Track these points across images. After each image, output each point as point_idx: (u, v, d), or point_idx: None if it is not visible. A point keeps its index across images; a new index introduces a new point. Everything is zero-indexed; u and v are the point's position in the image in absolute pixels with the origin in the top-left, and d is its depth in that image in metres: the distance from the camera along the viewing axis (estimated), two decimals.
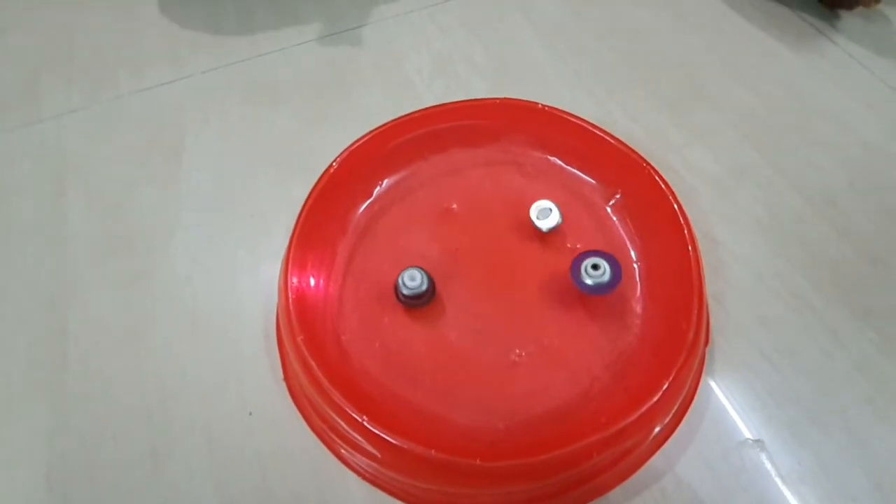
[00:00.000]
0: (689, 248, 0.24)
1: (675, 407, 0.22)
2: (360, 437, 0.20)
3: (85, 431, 0.23)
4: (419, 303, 0.24)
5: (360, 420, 0.20)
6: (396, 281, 0.23)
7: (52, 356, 0.25)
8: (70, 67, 0.36)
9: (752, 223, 0.29)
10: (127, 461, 0.23)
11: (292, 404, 0.23)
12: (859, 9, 0.37)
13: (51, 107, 0.34)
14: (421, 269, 0.23)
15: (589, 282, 0.23)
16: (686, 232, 0.24)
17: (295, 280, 0.23)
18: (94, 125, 0.33)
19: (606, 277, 0.22)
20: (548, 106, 0.28)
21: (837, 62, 0.36)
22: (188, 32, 0.37)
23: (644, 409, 0.20)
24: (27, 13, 0.39)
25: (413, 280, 0.23)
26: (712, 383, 0.24)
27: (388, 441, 0.19)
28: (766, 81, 0.35)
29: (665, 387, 0.20)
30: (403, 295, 0.23)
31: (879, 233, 0.29)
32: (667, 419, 0.22)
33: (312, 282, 0.24)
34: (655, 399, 0.20)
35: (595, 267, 0.23)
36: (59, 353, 0.25)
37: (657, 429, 0.21)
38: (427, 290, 0.23)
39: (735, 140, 0.32)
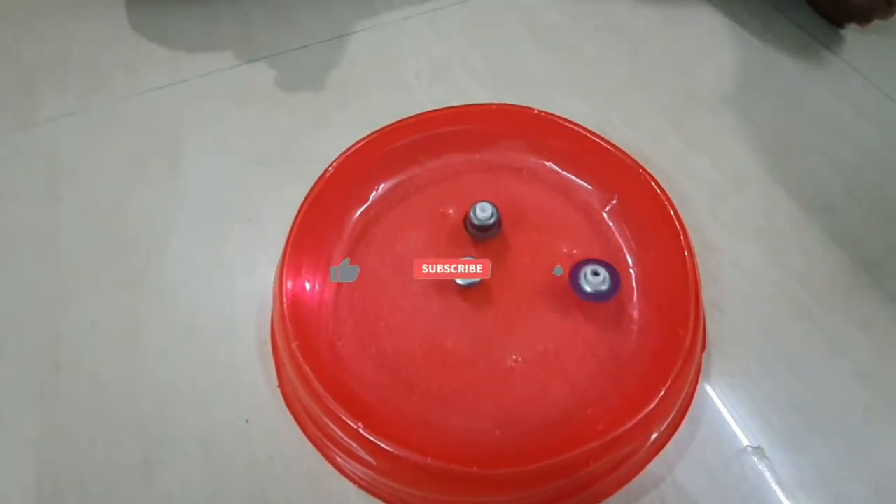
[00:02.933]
0: (686, 254, 0.24)
1: (673, 413, 0.22)
2: (355, 445, 0.20)
3: (77, 439, 0.23)
4: (487, 235, 0.25)
5: (355, 427, 0.19)
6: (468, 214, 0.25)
7: (45, 362, 0.25)
8: (66, 71, 0.36)
9: (750, 230, 0.29)
10: (120, 469, 0.22)
11: (287, 411, 0.23)
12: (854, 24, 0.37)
13: (46, 110, 0.34)
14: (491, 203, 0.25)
15: (588, 289, 0.23)
16: (682, 238, 0.24)
17: (290, 285, 0.23)
18: (89, 129, 0.33)
19: (606, 286, 0.23)
20: (544, 111, 0.28)
21: (835, 72, 0.36)
22: (185, 36, 0.37)
23: (641, 415, 0.20)
24: (23, 16, 0.39)
25: (484, 212, 0.24)
26: (710, 389, 0.24)
27: (383, 449, 0.19)
28: (764, 90, 0.35)
29: (662, 393, 0.20)
30: (473, 226, 0.25)
31: (877, 240, 0.29)
32: (664, 425, 0.22)
33: (307, 287, 0.24)
34: (653, 405, 0.20)
35: (595, 273, 0.23)
36: (52, 358, 0.25)
37: (654, 435, 0.21)
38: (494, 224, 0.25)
39: (733, 147, 0.32)
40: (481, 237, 0.25)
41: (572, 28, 0.38)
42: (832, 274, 0.28)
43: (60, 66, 0.36)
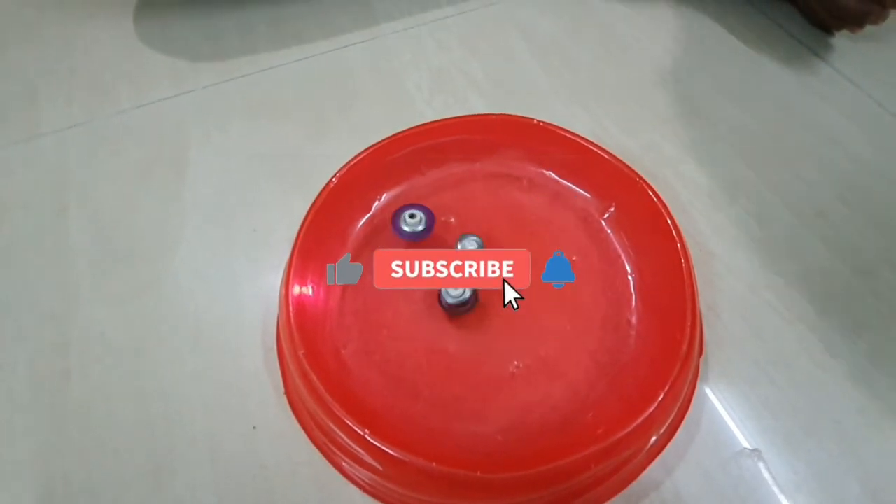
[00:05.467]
0: (682, 260, 0.24)
1: (671, 417, 0.22)
2: (361, 451, 0.20)
3: (86, 447, 0.23)
4: (462, 310, 0.24)
5: (361, 433, 0.20)
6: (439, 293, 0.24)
7: (54, 371, 0.25)
8: (70, 82, 0.36)
9: (745, 236, 0.30)
10: (129, 477, 0.23)
11: (294, 418, 0.24)
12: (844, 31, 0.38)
13: (51, 121, 0.34)
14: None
15: (406, 229, 0.25)
16: (679, 245, 0.25)
17: (295, 294, 0.24)
18: (94, 140, 0.33)
19: (422, 226, 0.25)
20: (543, 122, 0.29)
21: (827, 79, 0.37)
22: (189, 48, 0.38)
23: (641, 419, 0.20)
24: (26, 28, 0.39)
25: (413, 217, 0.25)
26: (708, 393, 0.25)
27: (389, 454, 0.20)
28: (756, 98, 0.36)
29: (661, 397, 0.21)
30: (447, 303, 0.24)
31: (868, 245, 0.29)
32: (663, 429, 0.22)
33: (312, 295, 0.24)
34: (652, 409, 0.20)
35: (412, 216, 0.25)
36: (61, 367, 0.25)
37: (653, 438, 0.22)
38: (469, 299, 0.24)
39: (727, 155, 0.33)
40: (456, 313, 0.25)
41: (568, 37, 0.39)
42: (825, 278, 0.28)
43: (65, 78, 0.36)
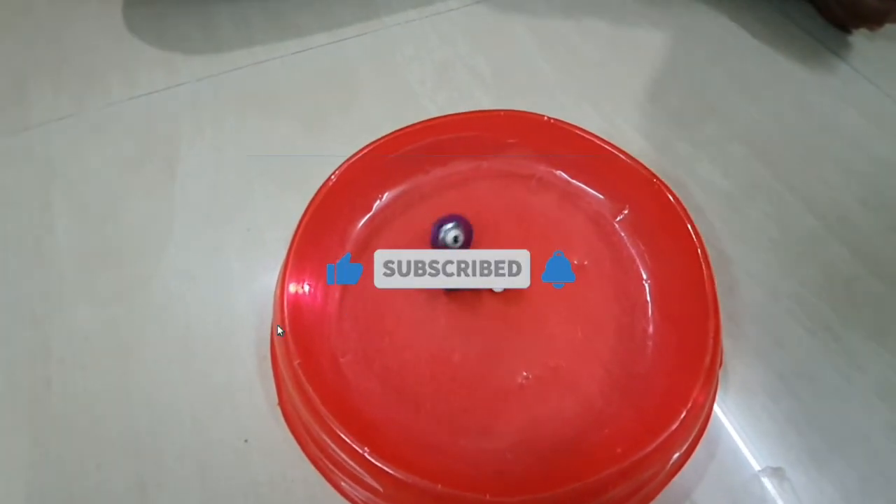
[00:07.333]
0: (703, 267, 0.23)
1: (693, 434, 0.21)
2: (361, 470, 0.19)
3: (67, 460, 0.22)
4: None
5: (360, 451, 0.18)
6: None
7: (34, 377, 0.24)
8: (59, 73, 0.35)
9: (765, 241, 0.28)
10: (114, 492, 0.21)
11: (288, 431, 0.22)
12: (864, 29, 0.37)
13: (38, 113, 0.33)
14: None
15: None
16: (699, 250, 0.24)
17: (291, 299, 0.22)
18: (83, 133, 0.32)
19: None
20: (554, 118, 0.28)
21: (845, 78, 0.35)
22: (182, 39, 0.36)
23: (662, 437, 0.19)
24: (15, 17, 0.38)
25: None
26: (727, 407, 0.23)
27: (390, 474, 0.18)
28: (773, 97, 0.34)
29: (683, 415, 0.19)
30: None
31: (893, 250, 0.28)
32: (684, 447, 0.21)
33: (309, 300, 0.23)
34: (674, 427, 0.19)
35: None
36: (41, 374, 0.24)
37: (675, 456, 0.20)
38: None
39: (744, 155, 0.32)
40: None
41: (577, 33, 0.38)
42: (849, 285, 0.27)
43: (54, 69, 0.35)
